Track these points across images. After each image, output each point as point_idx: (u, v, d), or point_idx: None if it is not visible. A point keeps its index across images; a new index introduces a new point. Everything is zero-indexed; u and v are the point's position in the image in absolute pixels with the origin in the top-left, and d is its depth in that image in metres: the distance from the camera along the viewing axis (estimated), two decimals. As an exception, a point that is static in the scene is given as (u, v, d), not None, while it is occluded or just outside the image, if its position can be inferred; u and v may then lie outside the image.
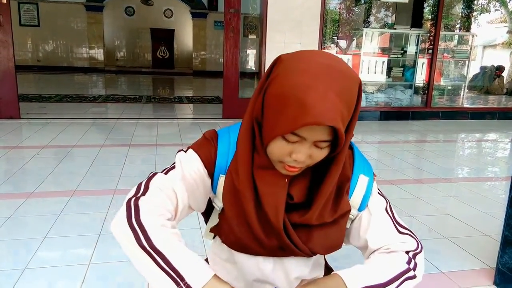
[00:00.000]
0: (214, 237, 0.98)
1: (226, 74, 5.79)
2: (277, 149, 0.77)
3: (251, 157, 0.84)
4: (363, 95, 6.98)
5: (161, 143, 4.39)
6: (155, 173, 0.90)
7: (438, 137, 5.56)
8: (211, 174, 0.89)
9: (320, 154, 0.77)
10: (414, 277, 0.86)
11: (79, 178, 3.13)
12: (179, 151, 0.92)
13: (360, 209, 0.91)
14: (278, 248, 0.86)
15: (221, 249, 0.97)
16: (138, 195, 0.82)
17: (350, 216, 0.91)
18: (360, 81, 0.77)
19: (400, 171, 3.70)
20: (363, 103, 6.87)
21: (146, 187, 0.84)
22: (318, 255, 0.98)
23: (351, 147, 0.94)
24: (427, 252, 2.11)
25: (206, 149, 0.89)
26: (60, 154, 3.76)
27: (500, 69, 11.76)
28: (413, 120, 6.58)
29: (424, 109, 6.73)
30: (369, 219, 0.91)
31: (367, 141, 5.04)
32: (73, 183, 3.00)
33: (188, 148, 0.91)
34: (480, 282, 1.90)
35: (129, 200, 0.81)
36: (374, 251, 0.92)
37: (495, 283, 1.88)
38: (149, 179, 0.87)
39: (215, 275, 0.77)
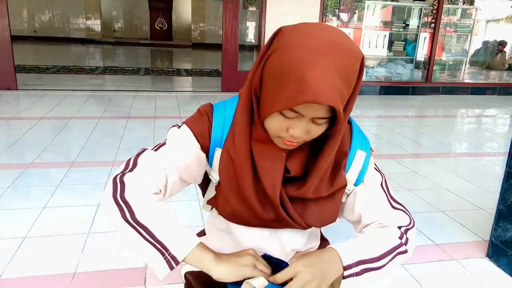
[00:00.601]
0: (211, 209, 0.98)
1: (225, 46, 5.71)
2: (275, 124, 0.76)
3: (249, 130, 0.83)
4: (364, 69, 6.91)
5: (160, 115, 4.38)
6: (145, 149, 0.89)
7: (438, 112, 5.55)
8: (206, 148, 0.89)
9: (318, 130, 0.76)
10: (405, 251, 0.88)
11: (77, 149, 3.13)
12: (172, 126, 0.92)
13: (356, 183, 0.91)
14: (274, 220, 0.86)
15: (218, 221, 0.97)
16: (126, 171, 0.82)
17: (346, 190, 0.91)
18: (363, 56, 0.75)
19: (399, 146, 3.71)
20: (363, 78, 6.81)
21: (134, 164, 0.84)
22: (312, 229, 0.99)
23: (349, 122, 0.93)
24: (422, 225, 2.16)
25: (200, 123, 0.88)
26: (58, 125, 3.75)
27: (502, 44, 11.61)
28: (413, 95, 6.55)
29: (425, 84, 6.69)
30: (364, 194, 0.92)
31: (366, 115, 5.03)
32: (72, 154, 3.00)
33: (183, 123, 0.90)
34: (473, 254, 1.94)
35: (116, 176, 0.81)
36: (367, 225, 0.93)
37: (487, 255, 1.91)
38: (138, 155, 0.87)
39: (200, 243, 0.79)
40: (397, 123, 4.68)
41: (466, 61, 8.34)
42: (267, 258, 0.87)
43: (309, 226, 0.88)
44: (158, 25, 15.46)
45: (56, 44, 12.54)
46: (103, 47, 13.15)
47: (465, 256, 1.92)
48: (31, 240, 1.86)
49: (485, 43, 11.94)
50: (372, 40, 6.86)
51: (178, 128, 0.90)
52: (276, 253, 0.93)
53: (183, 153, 0.87)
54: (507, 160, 1.79)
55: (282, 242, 0.94)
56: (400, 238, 0.89)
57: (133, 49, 12.93)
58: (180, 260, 0.76)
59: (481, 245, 2.00)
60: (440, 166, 3.21)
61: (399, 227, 0.91)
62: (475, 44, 11.44)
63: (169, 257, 0.75)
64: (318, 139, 0.82)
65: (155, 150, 0.88)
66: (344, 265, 0.81)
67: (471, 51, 9.21)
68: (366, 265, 0.83)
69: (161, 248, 0.75)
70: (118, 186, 0.79)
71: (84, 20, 13.76)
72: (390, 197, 0.94)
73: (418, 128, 4.57)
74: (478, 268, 1.83)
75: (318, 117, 0.73)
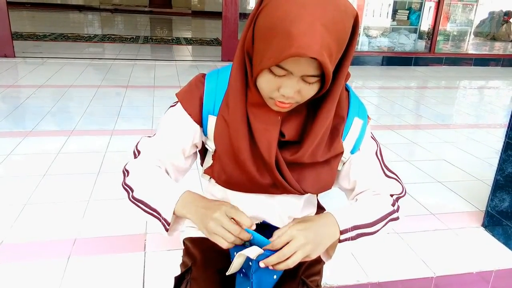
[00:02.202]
0: (210, 179, 0.99)
1: (226, 14, 5.60)
2: (265, 83, 0.75)
3: (245, 94, 0.82)
4: (366, 39, 6.83)
5: (159, 85, 4.34)
6: (143, 137, 0.96)
7: (440, 83, 5.49)
8: (199, 120, 0.89)
9: (309, 90, 0.75)
10: (397, 218, 0.91)
11: (76, 118, 3.12)
12: (170, 107, 0.93)
13: (352, 151, 0.91)
14: (271, 185, 0.86)
15: (215, 190, 0.98)
16: (131, 160, 0.94)
17: (342, 158, 0.91)
18: (357, 14, 0.73)
19: (399, 117, 3.70)
20: (365, 48, 6.72)
21: (138, 152, 0.94)
22: (310, 194, 1.00)
23: (347, 89, 0.91)
24: (419, 195, 2.18)
25: (191, 97, 0.88)
26: (57, 94, 3.72)
27: (508, 14, 11.35)
28: (416, 66, 6.47)
29: (428, 55, 6.59)
30: (360, 161, 0.92)
31: (368, 86, 4.98)
32: (71, 123, 3.00)
33: (176, 96, 0.91)
34: (469, 224, 1.96)
35: (125, 165, 0.94)
36: (360, 192, 0.95)
37: (483, 225, 1.94)
38: (137, 144, 0.96)
39: (184, 193, 0.83)
40: (399, 94, 4.65)
41: (470, 32, 8.19)
42: (265, 225, 0.88)
43: (305, 192, 0.88)
44: (157, -9, 15.10)
45: (53, 11, 12.30)
46: (101, 14, 12.91)
47: (461, 226, 1.94)
48: (32, 207, 1.88)
49: (491, 13, 11.67)
50: (375, 9, 6.71)
51: (174, 107, 0.92)
52: (273, 220, 0.93)
53: (180, 133, 0.90)
54: (507, 131, 1.78)
55: (279, 209, 0.95)
56: (393, 205, 0.91)
57: (132, 17, 12.69)
58: (169, 221, 0.83)
59: (477, 215, 2.03)
60: (440, 137, 3.21)
61: (392, 195, 0.94)
62: (481, 14, 11.19)
63: (162, 220, 0.83)
64: (314, 104, 0.82)
65: (153, 136, 0.94)
66: (341, 229, 0.82)
67: (476, 22, 9.01)
68: (361, 230, 0.84)
69: (156, 215, 0.85)
70: (125, 173, 0.92)
71: (82, -14, 13.44)
72: (384, 166, 0.95)
73: (419, 99, 4.54)
74: (473, 237, 1.86)
75: (306, 74, 0.71)
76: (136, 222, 1.79)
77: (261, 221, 0.90)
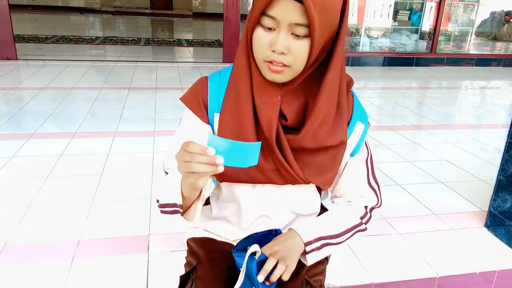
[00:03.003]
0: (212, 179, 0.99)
1: (227, 15, 5.61)
2: (258, 40, 0.77)
3: (250, 72, 0.84)
4: (367, 40, 6.83)
5: (161, 87, 4.35)
6: (165, 153, 0.97)
7: (441, 83, 5.49)
8: (208, 121, 0.91)
9: (300, 47, 0.75)
10: (364, 229, 0.98)
11: (79, 120, 3.13)
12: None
13: (352, 154, 0.94)
14: (274, 170, 0.87)
15: (220, 190, 0.99)
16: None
17: (344, 158, 0.93)
18: None
19: (401, 117, 3.70)
20: (366, 48, 6.73)
21: (166, 173, 0.95)
22: (313, 193, 1.01)
23: (352, 95, 0.94)
24: (421, 195, 2.18)
25: (196, 99, 0.90)
26: (59, 96, 3.73)
27: (510, 14, 11.33)
28: (417, 66, 6.47)
29: (429, 55, 6.59)
30: (348, 166, 0.96)
31: (369, 87, 4.99)
32: (74, 125, 3.01)
33: (182, 102, 0.92)
34: (471, 224, 1.96)
35: None
36: (337, 197, 1.01)
37: (486, 225, 1.94)
38: (163, 164, 0.97)
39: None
40: (400, 95, 4.65)
41: (472, 32, 8.18)
42: (253, 236, 0.90)
43: (307, 181, 0.90)
44: (158, -7, 15.13)
45: (54, 13, 12.33)
46: (102, 16, 12.95)
47: (463, 226, 1.94)
48: (36, 209, 1.89)
49: (493, 13, 11.66)
50: (376, 9, 6.71)
51: (184, 114, 0.94)
52: (277, 216, 0.97)
53: (193, 135, 0.89)
54: (509, 131, 1.79)
55: (284, 203, 0.97)
56: (362, 217, 0.98)
57: (133, 19, 12.72)
58: (179, 204, 0.83)
59: (480, 215, 2.03)
60: (442, 138, 3.21)
61: (366, 207, 1.00)
62: (482, 14, 11.18)
63: (180, 209, 0.83)
64: (314, 86, 0.83)
65: (172, 142, 0.95)
66: (305, 241, 0.89)
67: (478, 22, 9.00)
68: (326, 241, 0.92)
69: (176, 208, 0.84)
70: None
71: (83, -12, 13.49)
72: (371, 174, 0.99)
73: (421, 100, 4.54)
74: (476, 237, 1.86)
75: (294, 22, 0.73)
76: (139, 223, 1.79)
77: (272, 230, 0.93)
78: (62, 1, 13.39)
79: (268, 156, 0.86)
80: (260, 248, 0.84)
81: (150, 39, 8.25)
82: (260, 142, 0.72)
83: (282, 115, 0.85)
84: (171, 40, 8.51)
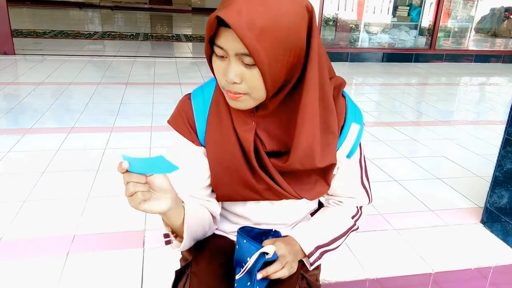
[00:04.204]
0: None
1: (226, 10, 5.57)
2: (216, 68, 0.77)
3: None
4: (366, 36, 6.81)
5: (159, 82, 4.34)
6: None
7: (440, 80, 5.48)
8: (199, 142, 0.89)
9: (251, 75, 0.73)
10: (357, 228, 1.01)
11: (76, 115, 3.12)
12: (168, 122, 0.92)
13: (348, 155, 0.92)
14: (266, 190, 0.87)
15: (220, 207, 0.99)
16: None
17: (338, 163, 0.91)
18: (310, 7, 0.74)
19: (400, 114, 3.69)
20: (365, 44, 6.71)
21: None
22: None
23: (343, 96, 0.91)
24: (418, 192, 2.18)
25: (184, 122, 0.88)
26: (57, 91, 3.72)
27: (510, 10, 11.29)
28: (416, 62, 6.45)
29: (428, 51, 6.58)
30: (343, 167, 0.94)
31: (368, 83, 4.98)
32: (71, 120, 3.00)
33: (168, 122, 0.91)
34: (467, 220, 1.96)
35: None
36: (330, 196, 1.02)
37: (482, 221, 1.94)
38: None
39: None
40: (399, 91, 4.64)
41: (471, 28, 8.16)
42: (248, 230, 0.89)
43: (301, 197, 0.89)
44: (157, -12, 15.08)
45: (53, 8, 12.27)
46: (101, 11, 12.89)
47: (460, 222, 1.94)
48: (31, 204, 1.89)
49: (492, 9, 11.62)
50: (376, 5, 6.69)
51: (174, 136, 0.91)
52: (280, 224, 0.98)
53: (193, 167, 0.90)
54: (506, 128, 1.78)
55: (283, 213, 0.97)
56: (354, 216, 1.00)
57: (132, 14, 12.68)
58: (165, 233, 0.88)
59: (476, 211, 2.03)
60: (440, 134, 3.20)
61: (357, 207, 1.02)
62: (482, 10, 11.14)
63: (170, 238, 0.88)
64: (293, 108, 0.80)
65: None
66: (307, 253, 0.91)
67: (477, 18, 8.97)
68: (324, 248, 0.94)
69: (169, 239, 0.89)
70: None
71: (82, -17, 13.43)
72: (364, 174, 0.98)
73: (420, 96, 4.53)
74: (472, 233, 1.86)
75: (238, 52, 0.70)
76: (135, 219, 1.79)
77: (272, 230, 0.92)
78: (61, -5, 13.32)
79: (259, 178, 0.86)
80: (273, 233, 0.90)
81: (149, 34, 8.22)
82: (161, 155, 0.71)
83: (262, 143, 0.84)
84: (169, 35, 8.48)
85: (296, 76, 0.78)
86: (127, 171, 0.69)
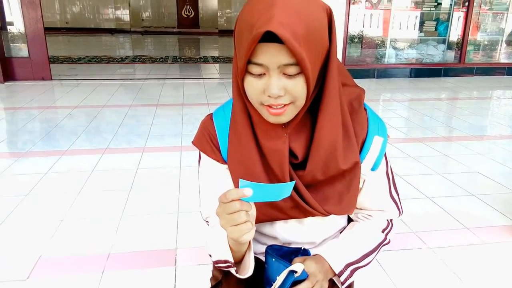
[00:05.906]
0: None
1: (252, 32, 5.68)
2: (250, 88, 0.74)
3: (248, 115, 0.82)
4: (393, 52, 6.76)
5: (188, 103, 4.44)
6: (201, 204, 0.96)
7: (472, 94, 5.36)
8: (222, 158, 0.89)
9: (295, 85, 0.72)
10: (388, 242, 0.97)
11: (110, 136, 3.23)
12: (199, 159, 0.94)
13: (373, 168, 0.90)
14: (293, 208, 0.86)
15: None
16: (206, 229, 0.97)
17: (362, 175, 0.89)
18: (330, 9, 0.74)
19: (430, 129, 3.63)
20: (392, 60, 6.65)
21: (207, 222, 0.97)
22: (336, 217, 0.98)
23: (365, 109, 0.90)
24: (452, 209, 2.12)
25: (207, 142, 0.89)
26: (91, 114, 3.87)
27: (543, 21, 10.99)
28: (446, 77, 6.35)
29: (458, 65, 6.46)
30: (370, 180, 0.92)
31: (396, 99, 4.92)
32: (104, 142, 3.11)
33: (194, 145, 0.92)
34: (505, 238, 1.89)
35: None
36: (359, 209, 0.98)
37: (521, 239, 1.87)
38: (201, 214, 0.97)
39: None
40: (429, 106, 4.56)
41: (502, 41, 7.97)
42: (277, 248, 0.88)
43: (328, 213, 0.87)
44: (185, 12, 15.53)
45: (87, 34, 12.84)
46: (131, 36, 13.38)
47: (497, 240, 1.87)
48: (69, 223, 1.96)
49: (524, 21, 11.32)
50: (402, 21, 6.66)
51: (201, 159, 0.93)
52: (307, 243, 0.96)
53: (219, 187, 0.86)
54: (543, 141, 1.73)
55: (310, 232, 0.95)
56: (384, 230, 0.96)
57: (161, 38, 13.08)
58: (231, 260, 0.82)
59: (514, 229, 1.95)
60: (473, 149, 3.12)
61: (387, 220, 0.98)
62: (513, 22, 10.87)
63: (231, 264, 0.82)
64: (314, 113, 0.80)
65: (201, 196, 0.95)
66: (336, 272, 0.88)
67: (508, 30, 8.76)
68: (355, 266, 0.90)
69: (229, 265, 0.83)
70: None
71: (114, 10, 14.04)
72: (392, 186, 0.95)
73: (450, 111, 4.44)
74: (509, 251, 1.79)
75: (282, 63, 0.69)
76: (166, 237, 1.82)
77: (301, 248, 0.92)
78: (94, 23, 13.95)
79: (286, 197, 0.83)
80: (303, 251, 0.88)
81: (177, 57, 8.46)
82: (294, 181, 0.72)
83: (292, 154, 0.82)
84: (197, 57, 8.69)
85: (322, 76, 0.77)
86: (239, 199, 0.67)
